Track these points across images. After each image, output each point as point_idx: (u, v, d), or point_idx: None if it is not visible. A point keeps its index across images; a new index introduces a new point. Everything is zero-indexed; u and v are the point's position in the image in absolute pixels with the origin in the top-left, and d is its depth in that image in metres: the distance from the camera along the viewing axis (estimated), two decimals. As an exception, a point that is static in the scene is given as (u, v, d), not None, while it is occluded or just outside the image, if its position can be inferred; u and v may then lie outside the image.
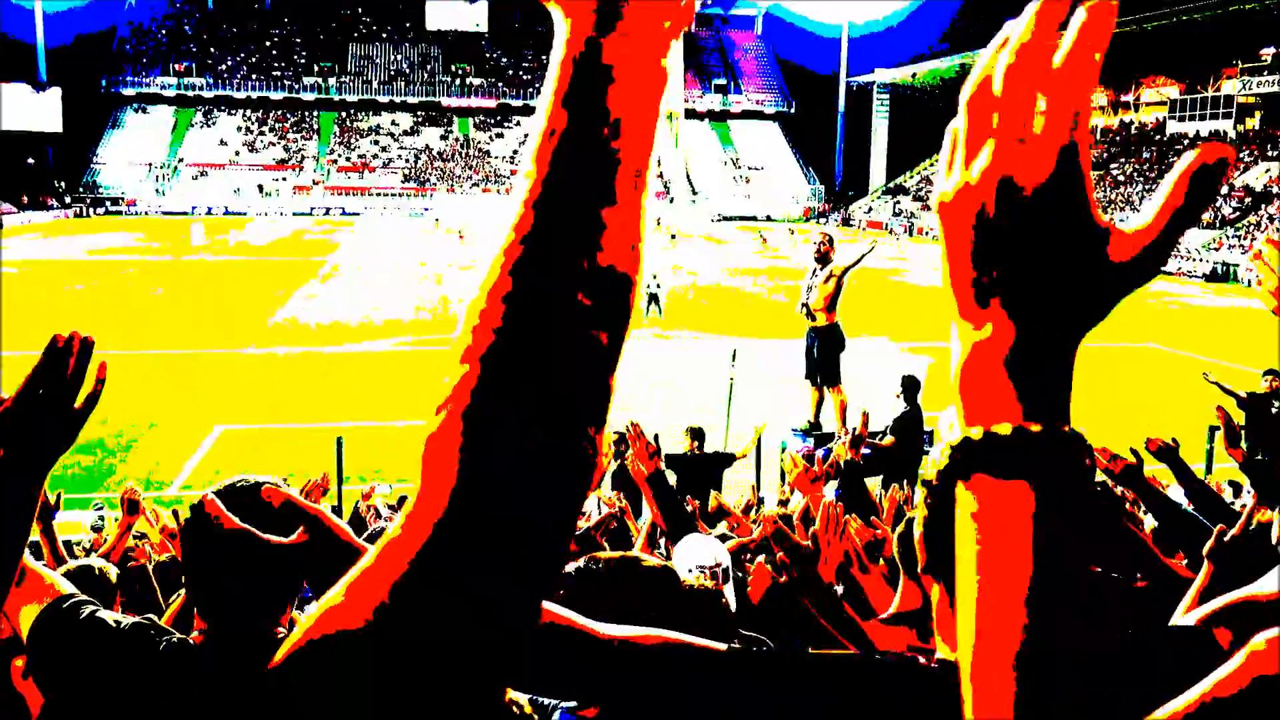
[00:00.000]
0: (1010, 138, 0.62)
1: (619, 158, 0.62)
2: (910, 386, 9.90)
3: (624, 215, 0.63)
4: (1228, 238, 48.79)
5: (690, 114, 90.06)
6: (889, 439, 9.35)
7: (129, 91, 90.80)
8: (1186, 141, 62.90)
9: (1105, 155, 68.12)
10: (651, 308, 26.61)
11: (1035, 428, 0.61)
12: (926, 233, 69.43)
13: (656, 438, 8.04)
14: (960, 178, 0.64)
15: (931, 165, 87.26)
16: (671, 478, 9.40)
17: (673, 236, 52.61)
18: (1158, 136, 66.90)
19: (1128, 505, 4.27)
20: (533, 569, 0.62)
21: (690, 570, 3.04)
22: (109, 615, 1.65)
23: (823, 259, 10.59)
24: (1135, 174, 63.00)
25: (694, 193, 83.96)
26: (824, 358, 10.90)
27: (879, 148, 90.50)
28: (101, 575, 3.41)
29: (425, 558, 0.59)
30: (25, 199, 72.09)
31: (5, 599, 1.57)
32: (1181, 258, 46.52)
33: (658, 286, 27.04)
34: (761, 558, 3.32)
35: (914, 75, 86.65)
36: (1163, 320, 29.37)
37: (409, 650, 0.58)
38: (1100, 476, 3.61)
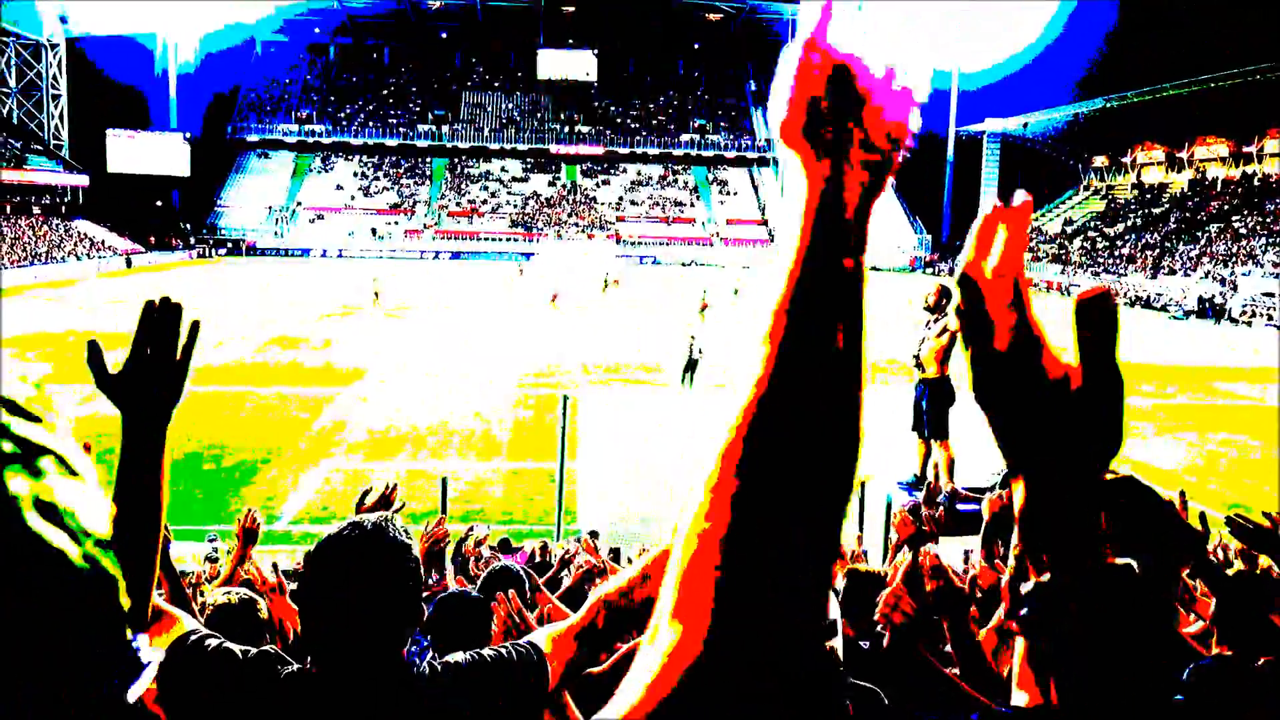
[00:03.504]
0: (969, 327, 0.78)
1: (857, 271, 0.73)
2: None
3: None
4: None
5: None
6: (998, 494, 9.09)
7: (252, 138, 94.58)
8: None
9: (1227, 208, 65.91)
10: (687, 376, 23.96)
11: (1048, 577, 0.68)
12: (1038, 285, 68.01)
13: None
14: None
15: (1041, 216, 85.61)
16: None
17: (735, 291, 48.17)
18: (1283, 188, 64.44)
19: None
20: (785, 680, 0.65)
21: None
22: (235, 647, 1.74)
23: (935, 309, 10.40)
24: (1259, 227, 60.66)
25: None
26: (932, 410, 10.65)
27: (988, 198, 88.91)
28: (251, 609, 3.48)
29: (694, 673, 0.63)
30: (153, 240, 75.38)
31: (157, 552, 1.72)
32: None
33: (699, 353, 24.02)
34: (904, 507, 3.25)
35: (1024, 125, 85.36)
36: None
37: None
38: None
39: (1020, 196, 0.77)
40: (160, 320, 1.70)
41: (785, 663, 0.65)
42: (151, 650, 1.61)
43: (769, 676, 0.64)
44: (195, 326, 1.73)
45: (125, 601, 0.51)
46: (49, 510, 0.48)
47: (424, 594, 1.79)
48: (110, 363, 1.69)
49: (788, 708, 0.65)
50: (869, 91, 0.73)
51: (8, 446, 0.49)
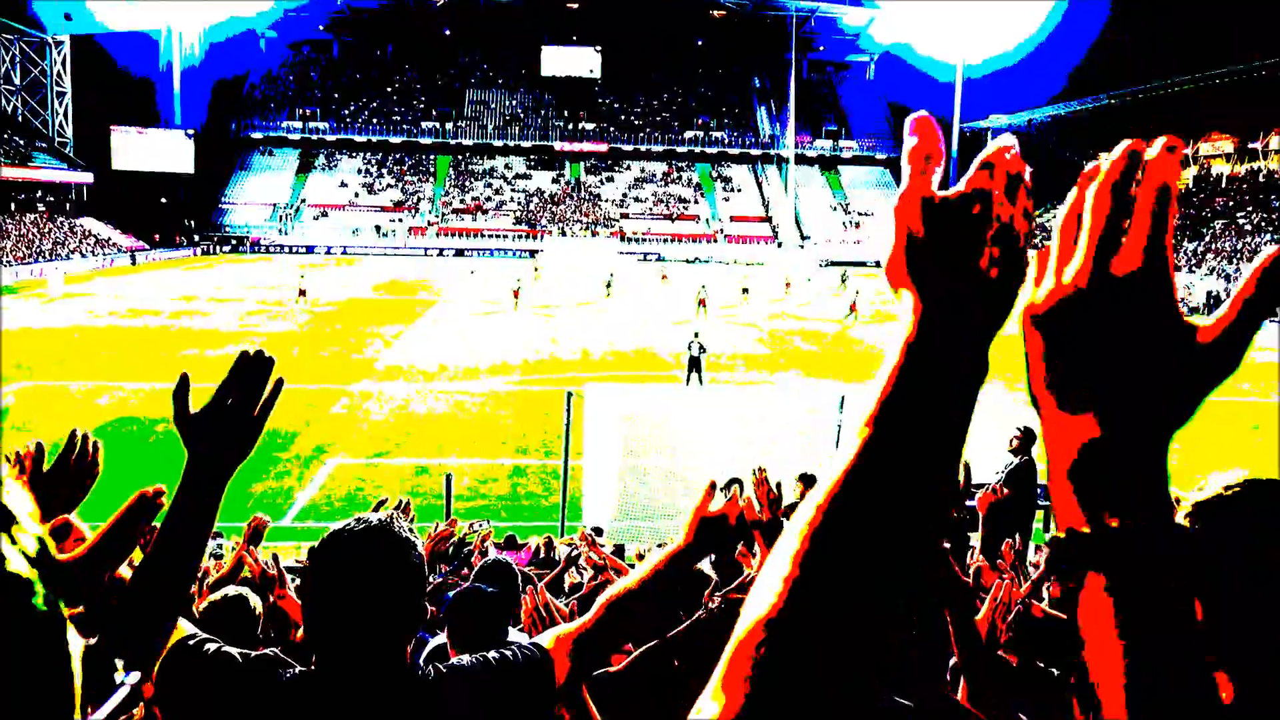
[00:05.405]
0: (1100, 238, 0.71)
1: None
2: (1026, 438, 9.67)
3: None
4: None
5: (801, 160, 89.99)
6: (1004, 490, 9.11)
7: (257, 135, 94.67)
8: (1320, 190, 60.30)
9: (1231, 204, 65.72)
10: (692, 373, 23.89)
11: (1113, 523, 0.64)
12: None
13: (779, 486, 7.97)
14: (1052, 283, 0.72)
15: (1047, 213, 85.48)
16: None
17: (744, 290, 47.55)
18: (1288, 184, 64.15)
19: None
20: None
21: None
22: (234, 650, 1.72)
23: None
24: (1264, 224, 60.43)
25: (803, 238, 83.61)
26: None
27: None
28: (246, 606, 3.50)
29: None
30: (157, 237, 75.46)
31: (190, 589, 1.72)
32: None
33: (700, 350, 23.96)
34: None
35: (1030, 120, 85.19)
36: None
37: None
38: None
39: (1159, 145, 0.69)
40: (250, 371, 1.69)
41: None
42: (128, 674, 1.58)
43: None
44: (279, 384, 1.72)
45: (67, 611, 0.52)
46: None
47: (449, 591, 1.78)
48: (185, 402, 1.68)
49: None
50: (971, 223, 0.74)
51: None
